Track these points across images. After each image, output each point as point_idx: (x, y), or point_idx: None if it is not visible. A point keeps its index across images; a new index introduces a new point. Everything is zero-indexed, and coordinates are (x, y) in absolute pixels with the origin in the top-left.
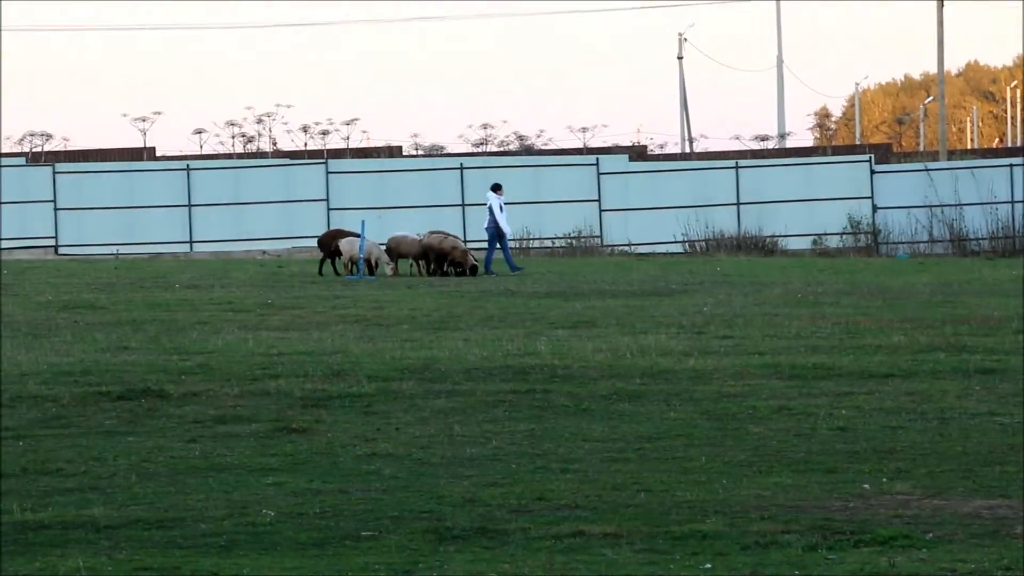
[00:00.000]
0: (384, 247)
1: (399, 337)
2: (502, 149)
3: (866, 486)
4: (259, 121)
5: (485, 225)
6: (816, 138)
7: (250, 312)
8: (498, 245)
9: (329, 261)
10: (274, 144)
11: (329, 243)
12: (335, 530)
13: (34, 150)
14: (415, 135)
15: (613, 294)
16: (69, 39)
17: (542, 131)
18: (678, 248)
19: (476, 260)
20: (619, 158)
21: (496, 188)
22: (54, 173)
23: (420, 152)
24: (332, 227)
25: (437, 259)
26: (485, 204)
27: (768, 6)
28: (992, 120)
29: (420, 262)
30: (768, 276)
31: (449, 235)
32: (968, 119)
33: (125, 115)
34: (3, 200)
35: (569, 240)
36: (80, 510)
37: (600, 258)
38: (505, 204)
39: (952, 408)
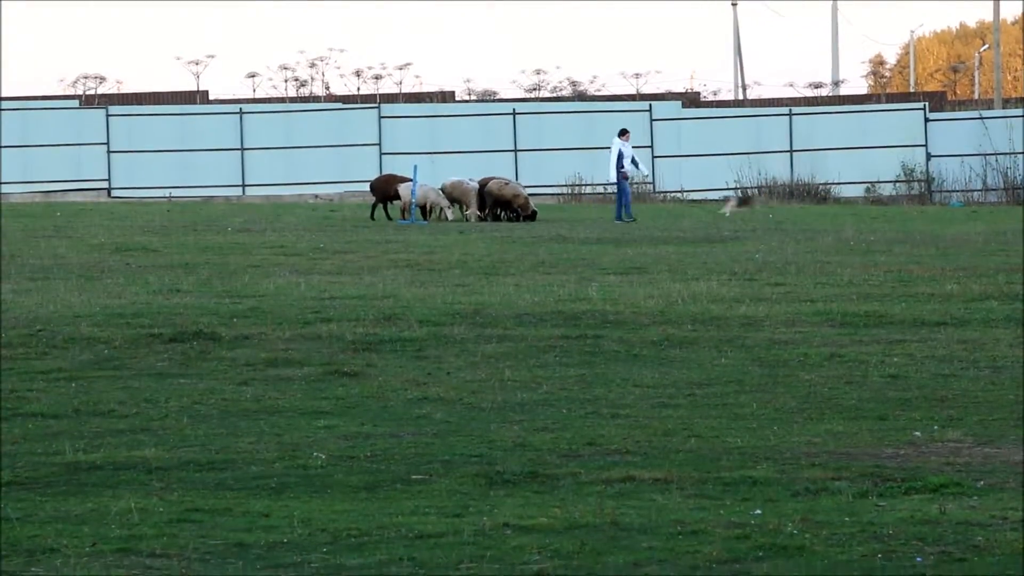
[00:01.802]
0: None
1: (450, 282)
2: (555, 95)
3: (917, 433)
4: (312, 65)
5: (611, 173)
6: (870, 86)
7: (302, 256)
8: (627, 187)
9: (381, 206)
10: (327, 88)
11: (382, 188)
12: (386, 474)
13: (87, 92)
14: (468, 80)
15: (665, 240)
16: None
17: (595, 77)
18: (730, 195)
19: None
20: (672, 104)
21: (623, 133)
22: (107, 116)
23: (473, 97)
24: (384, 172)
25: (496, 205)
26: (609, 149)
27: None
28: None
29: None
30: (820, 224)
31: (510, 181)
32: (1023, 67)
33: (178, 58)
34: (56, 143)
35: None
36: (132, 451)
37: (652, 204)
38: (558, 150)
39: (1005, 356)
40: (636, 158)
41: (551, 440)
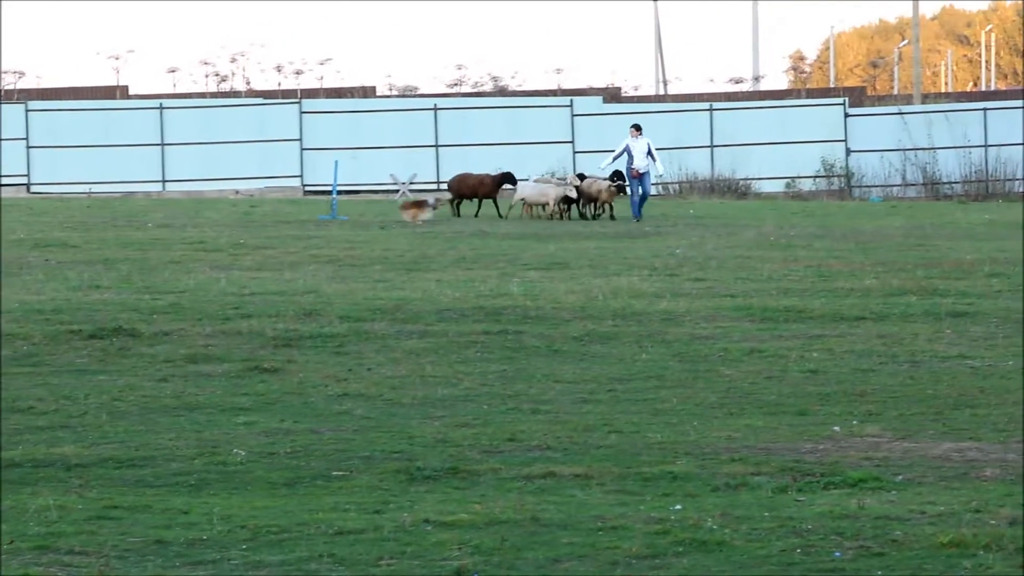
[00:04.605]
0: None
1: (371, 277)
2: (476, 90)
3: (836, 428)
4: (233, 60)
5: (641, 167)
6: (790, 81)
7: (222, 251)
8: (637, 185)
9: (455, 203)
10: (247, 83)
11: (458, 187)
12: (306, 470)
13: (7, 87)
14: (389, 75)
15: (586, 236)
16: None
17: (516, 72)
18: (652, 190)
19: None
20: (593, 100)
21: (635, 128)
22: (27, 111)
23: (394, 92)
24: (306, 167)
25: (588, 201)
26: (614, 148)
27: None
28: (966, 64)
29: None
30: (741, 219)
31: (597, 179)
32: (942, 63)
33: (98, 53)
34: None
35: None
36: (51, 448)
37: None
38: (481, 145)
39: (923, 351)
40: (653, 154)
41: (472, 436)
